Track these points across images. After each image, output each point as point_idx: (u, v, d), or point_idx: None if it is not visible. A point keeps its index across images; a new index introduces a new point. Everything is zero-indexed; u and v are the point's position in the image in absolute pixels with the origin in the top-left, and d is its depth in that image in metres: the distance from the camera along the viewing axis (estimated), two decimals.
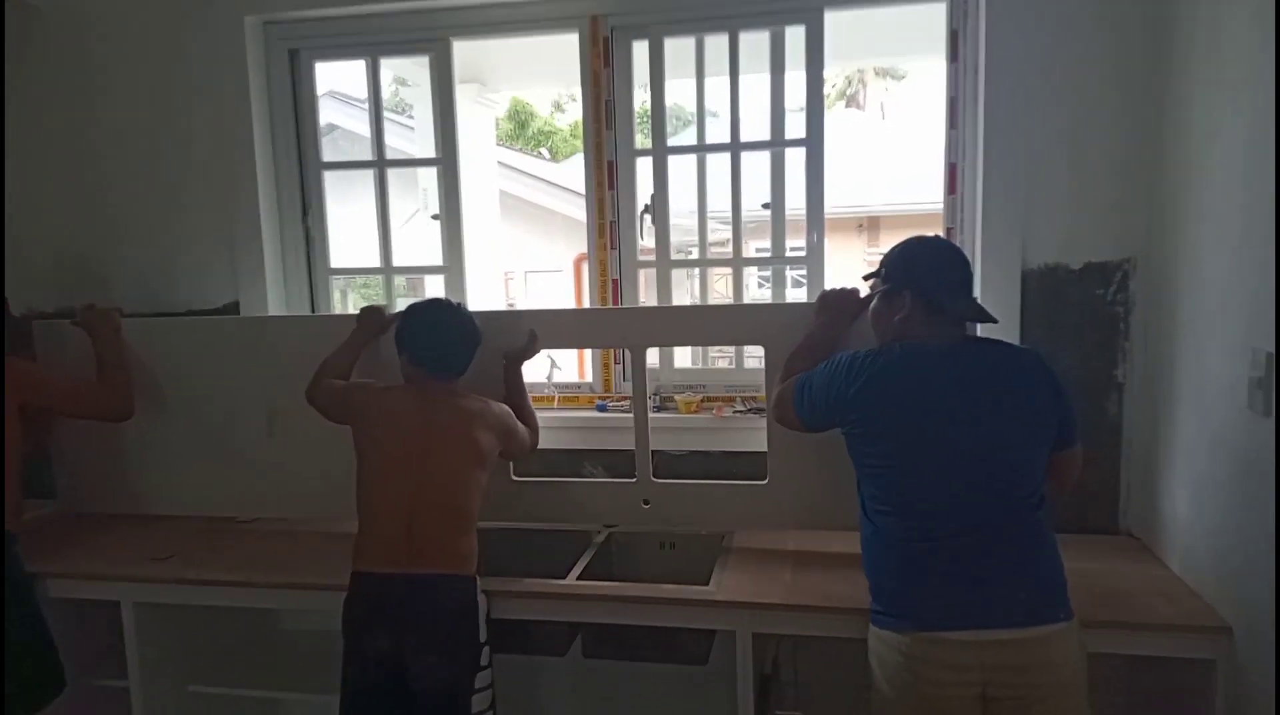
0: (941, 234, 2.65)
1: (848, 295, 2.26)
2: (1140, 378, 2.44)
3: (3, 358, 2.40)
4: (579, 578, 2.35)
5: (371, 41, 2.94)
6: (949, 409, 1.77)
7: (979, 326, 2.05)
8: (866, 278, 2.07)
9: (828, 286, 2.36)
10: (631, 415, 2.77)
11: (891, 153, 14.44)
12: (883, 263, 1.97)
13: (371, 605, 2.11)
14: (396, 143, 5.73)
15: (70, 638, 2.45)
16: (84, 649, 2.54)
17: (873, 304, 1.99)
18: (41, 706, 2.35)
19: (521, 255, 9.89)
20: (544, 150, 16.28)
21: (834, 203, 2.76)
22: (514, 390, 2.50)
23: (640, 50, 2.81)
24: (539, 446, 2.52)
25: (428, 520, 2.13)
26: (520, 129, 17.14)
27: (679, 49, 2.81)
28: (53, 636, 2.37)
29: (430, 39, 2.90)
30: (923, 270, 1.89)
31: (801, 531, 2.52)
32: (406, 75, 4.51)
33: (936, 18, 2.64)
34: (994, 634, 1.70)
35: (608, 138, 2.82)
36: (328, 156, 3.07)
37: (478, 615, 2.13)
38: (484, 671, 2.12)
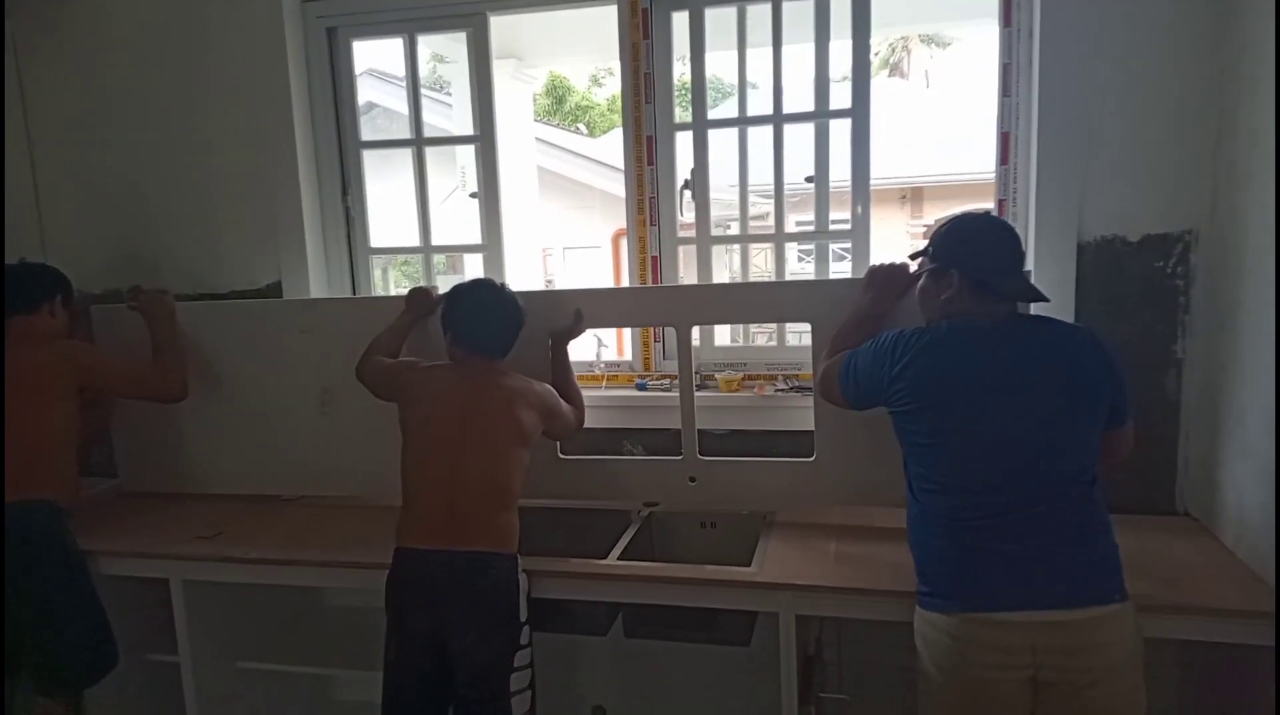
0: (992, 205, 2.58)
1: (896, 270, 2.20)
2: (1200, 353, 2.35)
3: (2, 345, 2.44)
4: (620, 557, 2.34)
5: (409, 18, 2.92)
6: (997, 386, 1.74)
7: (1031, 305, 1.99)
8: (913, 256, 2.03)
9: (874, 261, 2.31)
10: (670, 393, 2.77)
11: (936, 122, 14.13)
12: (930, 240, 1.93)
13: (413, 581, 2.12)
14: (436, 120, 5.74)
15: (125, 613, 2.51)
16: (137, 624, 2.59)
17: (920, 282, 1.96)
18: (95, 681, 2.42)
19: (560, 231, 9.88)
20: (581, 126, 16.21)
21: (876, 174, 2.69)
22: (560, 369, 2.50)
23: (680, 21, 2.75)
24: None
25: (469, 497, 2.13)
26: (558, 104, 17.08)
27: (720, 19, 2.74)
28: (105, 612, 2.43)
29: (468, 14, 2.86)
30: (972, 250, 1.84)
31: (847, 507, 2.49)
32: (445, 52, 4.49)
33: None
34: (1044, 615, 1.66)
35: (646, 112, 2.78)
36: (367, 135, 3.06)
37: (518, 593, 2.13)
38: (523, 650, 2.12)
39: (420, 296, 2.55)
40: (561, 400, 2.38)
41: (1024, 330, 1.81)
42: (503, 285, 2.37)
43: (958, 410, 1.75)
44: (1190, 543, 2.25)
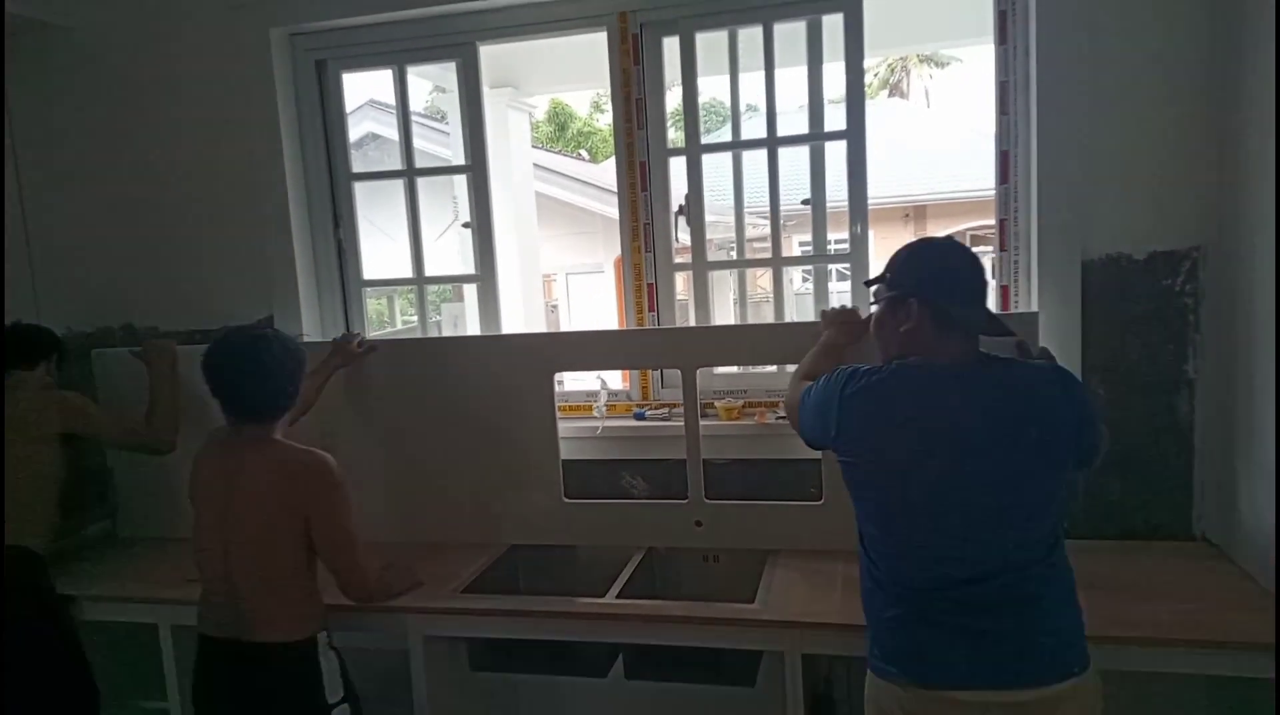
0: (993, 223, 2.53)
1: (849, 313, 2.19)
2: (1213, 372, 2.29)
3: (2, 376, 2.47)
4: (619, 595, 2.27)
5: (398, 49, 2.89)
6: (956, 440, 1.57)
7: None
8: (869, 283, 1.85)
9: (828, 306, 2.31)
10: (670, 423, 2.72)
11: (937, 141, 14.15)
12: (888, 266, 1.75)
13: (208, 674, 2.03)
14: (438, 150, 5.74)
15: (117, 659, 2.45)
16: (127, 670, 2.54)
17: (876, 312, 1.78)
18: None
19: (563, 257, 9.88)
20: (583, 151, 16.28)
21: (879, 192, 2.64)
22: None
23: (671, 46, 2.72)
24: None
25: (246, 583, 1.97)
26: (560, 131, 17.18)
27: (711, 43, 2.71)
28: (86, 658, 2.38)
29: (456, 44, 2.84)
30: (932, 275, 1.67)
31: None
32: (444, 83, 4.47)
33: None
34: (1001, 695, 1.54)
35: (639, 138, 2.74)
36: (367, 165, 3.06)
37: (319, 678, 1.98)
38: None
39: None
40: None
41: (987, 375, 1.62)
42: (261, 335, 2.06)
43: (912, 468, 1.58)
44: (1209, 570, 2.18)
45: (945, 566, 1.57)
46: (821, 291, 2.85)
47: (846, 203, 2.67)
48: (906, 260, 1.73)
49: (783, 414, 2.66)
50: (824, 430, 1.70)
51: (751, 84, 2.72)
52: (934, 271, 1.68)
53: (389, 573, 2.25)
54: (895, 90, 21.57)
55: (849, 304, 2.32)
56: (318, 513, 1.99)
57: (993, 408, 1.58)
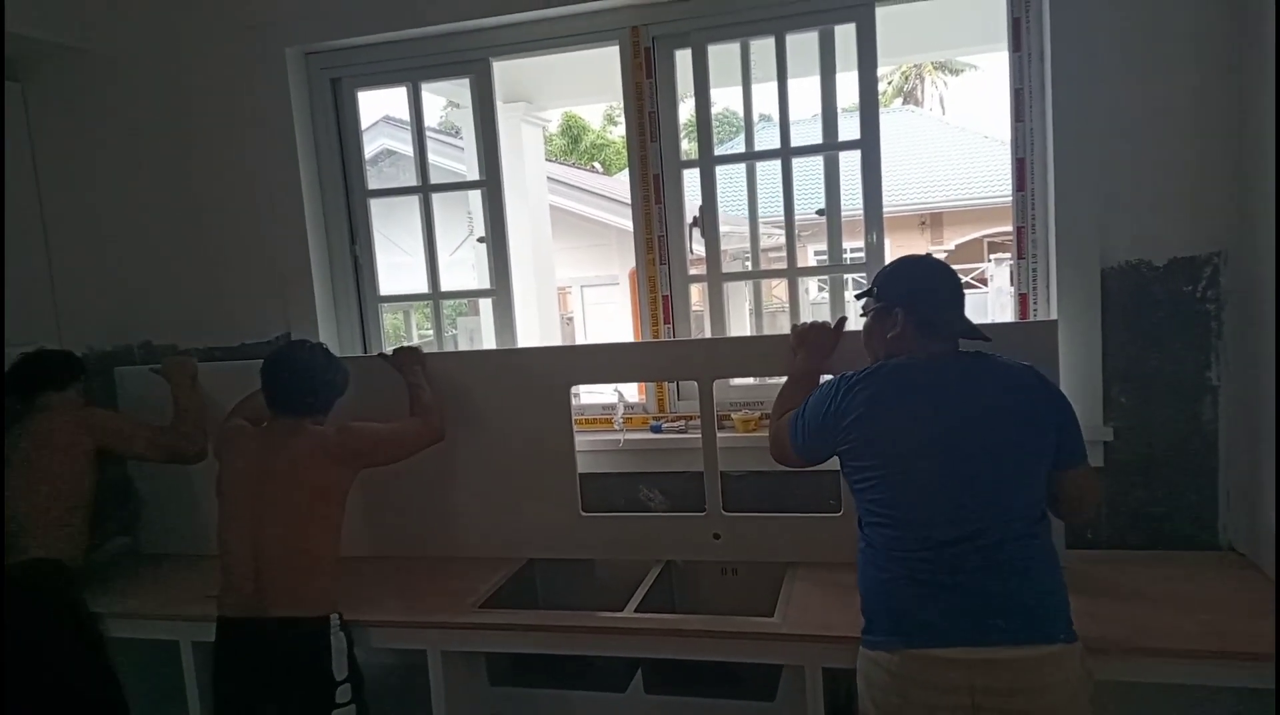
0: (1010, 230, 2.52)
1: (820, 327, 2.29)
2: (1236, 379, 2.26)
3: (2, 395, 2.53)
4: (638, 609, 2.26)
5: (412, 67, 2.91)
6: (941, 421, 1.74)
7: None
8: (859, 296, 2.05)
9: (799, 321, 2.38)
10: (687, 435, 2.72)
11: (953, 148, 14.10)
12: (875, 281, 1.98)
13: (227, 650, 2.18)
14: (453, 165, 5.77)
15: (144, 676, 2.48)
16: (153, 687, 2.55)
17: (865, 322, 1.99)
18: None
19: (578, 269, 9.91)
20: (597, 164, 16.33)
21: (895, 200, 2.64)
22: (412, 393, 2.53)
23: (683, 59, 2.72)
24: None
25: (271, 564, 2.16)
26: (573, 144, 17.24)
27: (724, 55, 2.71)
28: (117, 674, 2.40)
29: (470, 60, 2.86)
30: (914, 288, 1.89)
31: None
32: (459, 99, 4.50)
33: (996, 6, 2.50)
34: (983, 652, 1.63)
35: (652, 150, 2.74)
36: (383, 182, 3.07)
37: (329, 655, 2.13)
38: (342, 708, 2.13)
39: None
40: (385, 424, 2.37)
41: (966, 367, 1.82)
42: (315, 347, 2.37)
43: (902, 443, 1.76)
44: (1237, 580, 2.14)
45: (932, 529, 1.71)
46: (838, 300, 2.83)
47: (861, 211, 2.66)
48: (891, 275, 1.95)
49: None
50: (825, 426, 1.87)
51: (765, 94, 2.72)
52: (915, 284, 1.90)
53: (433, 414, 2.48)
54: (910, 98, 21.53)
55: (828, 319, 2.37)
56: (363, 451, 2.29)
57: (975, 392, 1.77)
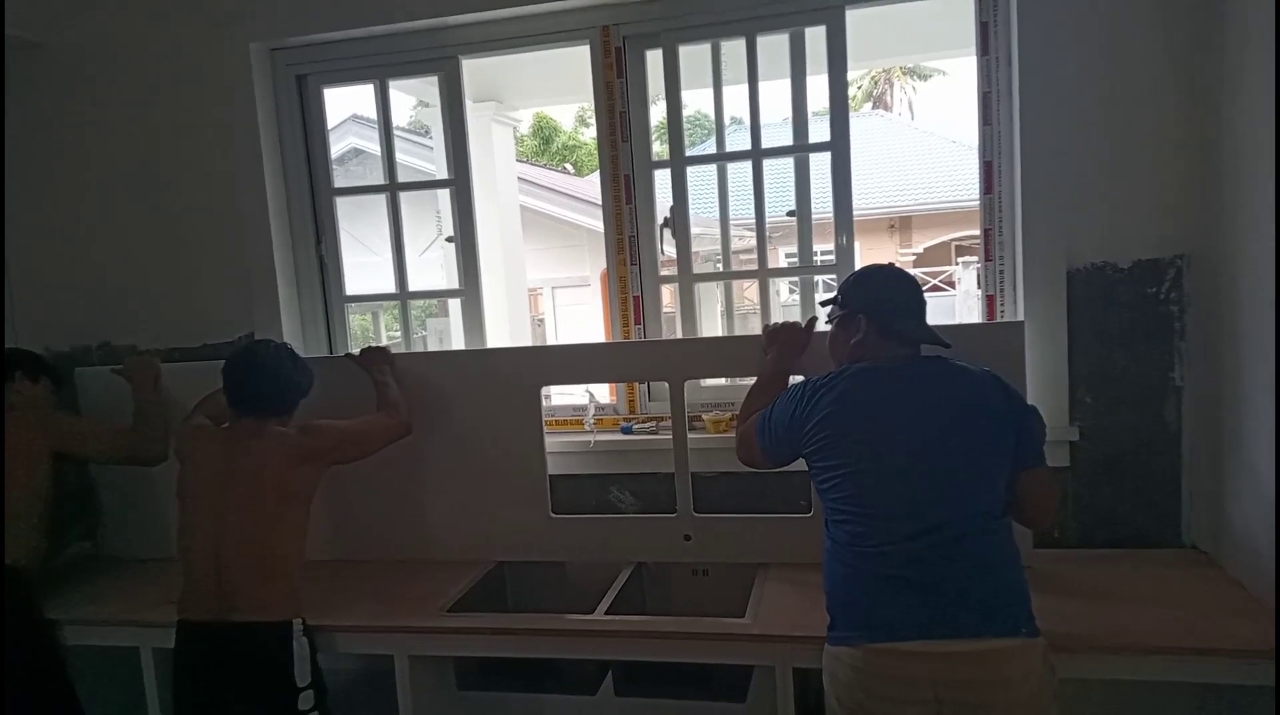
0: (978, 233, 2.54)
1: (791, 326, 2.32)
2: (1199, 380, 2.29)
3: (2, 396, 2.49)
4: (608, 611, 2.24)
5: (379, 64, 2.88)
6: (902, 420, 1.79)
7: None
8: (824, 304, 2.10)
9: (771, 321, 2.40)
10: (657, 437, 2.70)
11: (921, 152, 14.24)
12: (839, 290, 2.04)
13: (188, 654, 2.13)
14: (422, 164, 5.72)
15: (102, 683, 2.44)
16: (115, 695, 2.50)
17: (830, 329, 2.04)
18: None
19: (549, 270, 9.88)
20: (568, 165, 16.30)
21: (864, 204, 2.65)
22: (379, 390, 2.50)
23: (654, 59, 2.71)
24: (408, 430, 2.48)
25: (233, 567, 2.13)
26: (545, 145, 17.20)
27: (695, 56, 2.71)
28: (72, 682, 2.35)
29: (439, 58, 2.83)
30: (877, 295, 1.94)
31: None
32: (428, 97, 4.46)
33: (964, 11, 2.52)
34: (944, 645, 1.65)
35: (623, 150, 2.73)
36: (350, 181, 3.02)
37: (290, 661, 2.10)
38: None
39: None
40: (349, 421, 2.34)
41: (927, 370, 1.87)
42: (278, 347, 2.35)
43: (866, 442, 1.80)
44: (1199, 578, 2.17)
45: (894, 523, 1.74)
46: (808, 301, 2.84)
47: (832, 214, 2.67)
48: (855, 284, 2.01)
49: None
50: (792, 427, 1.91)
51: (735, 96, 2.72)
52: (877, 292, 1.96)
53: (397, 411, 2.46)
54: (879, 103, 21.74)
55: (799, 319, 2.39)
56: (327, 448, 2.26)
57: (935, 393, 1.82)
